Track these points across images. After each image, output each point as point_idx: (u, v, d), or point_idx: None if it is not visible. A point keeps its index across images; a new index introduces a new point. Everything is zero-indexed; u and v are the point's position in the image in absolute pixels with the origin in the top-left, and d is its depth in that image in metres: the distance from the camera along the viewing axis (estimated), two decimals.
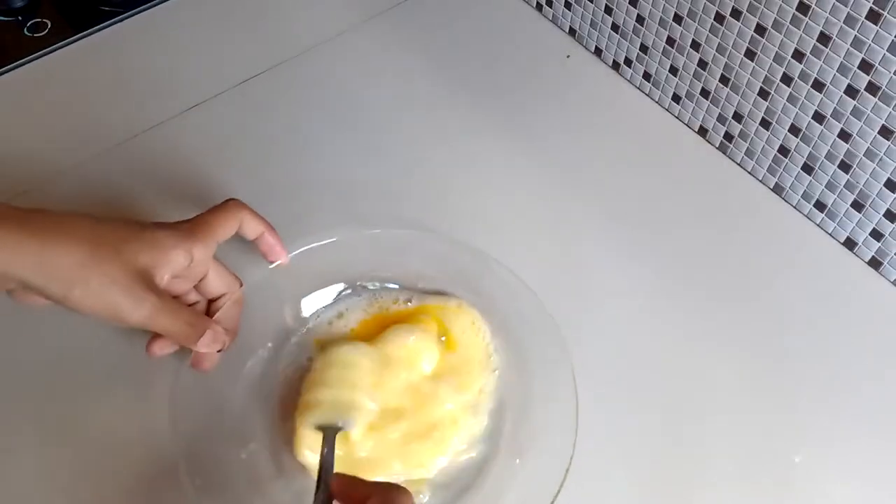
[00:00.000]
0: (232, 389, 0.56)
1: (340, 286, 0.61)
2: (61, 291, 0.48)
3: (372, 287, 0.61)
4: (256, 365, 0.57)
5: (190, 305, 0.56)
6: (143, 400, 0.57)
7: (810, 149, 0.64)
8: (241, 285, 0.57)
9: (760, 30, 0.62)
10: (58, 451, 0.55)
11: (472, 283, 0.60)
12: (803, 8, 0.58)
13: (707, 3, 0.64)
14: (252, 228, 0.57)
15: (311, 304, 0.60)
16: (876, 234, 0.63)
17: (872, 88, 0.57)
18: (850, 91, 0.58)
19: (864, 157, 0.60)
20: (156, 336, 0.54)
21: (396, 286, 0.61)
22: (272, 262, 0.58)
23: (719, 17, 0.64)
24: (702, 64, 0.68)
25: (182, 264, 0.52)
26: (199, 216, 0.55)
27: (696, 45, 0.68)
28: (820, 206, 0.66)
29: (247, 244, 0.58)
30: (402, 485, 0.46)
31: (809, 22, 0.58)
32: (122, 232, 0.51)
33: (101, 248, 0.50)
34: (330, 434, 0.52)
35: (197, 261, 0.53)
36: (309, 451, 0.52)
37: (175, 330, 0.52)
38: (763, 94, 0.65)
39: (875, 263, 0.64)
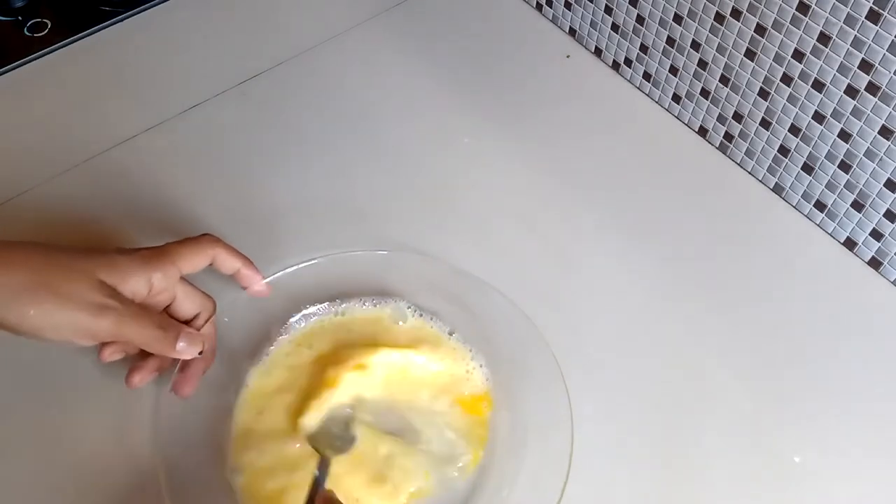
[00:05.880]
0: (214, 411, 0.55)
1: (325, 305, 0.60)
2: (16, 317, 0.46)
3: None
4: (237, 388, 0.56)
5: None
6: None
7: (810, 149, 0.64)
8: (215, 305, 0.56)
9: (760, 30, 0.62)
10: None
11: (462, 301, 0.59)
12: (803, 8, 0.58)
13: (707, 3, 0.64)
14: (227, 265, 0.55)
15: (298, 323, 0.60)
16: (876, 234, 0.63)
17: (872, 88, 0.57)
18: (850, 91, 0.58)
19: (864, 157, 0.60)
20: (134, 366, 0.53)
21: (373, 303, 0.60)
22: (252, 294, 0.57)
23: (719, 17, 0.64)
24: (702, 64, 0.68)
25: (141, 292, 0.51)
26: (167, 244, 0.53)
27: (696, 45, 0.68)
28: (820, 206, 0.66)
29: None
30: None
31: (809, 22, 0.58)
32: (76, 253, 0.50)
33: (54, 269, 0.48)
34: (326, 460, 0.51)
35: (157, 289, 0.52)
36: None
37: (146, 335, 0.50)
38: (763, 94, 0.65)
39: (875, 263, 0.64)
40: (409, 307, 0.60)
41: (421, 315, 0.59)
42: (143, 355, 0.54)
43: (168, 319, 0.53)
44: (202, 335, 0.54)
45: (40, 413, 0.56)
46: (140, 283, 0.51)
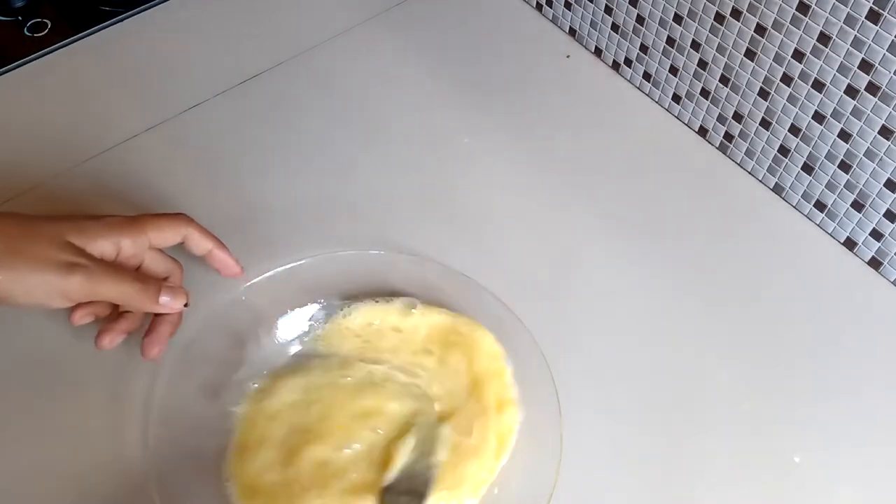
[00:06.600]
0: (207, 411, 0.54)
1: (316, 307, 0.59)
2: None
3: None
4: (232, 385, 0.56)
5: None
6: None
7: (810, 149, 0.64)
8: (182, 269, 0.56)
9: (760, 30, 0.62)
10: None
11: (455, 302, 0.59)
12: (803, 8, 0.58)
13: (707, 3, 0.64)
14: (199, 245, 0.55)
15: (289, 324, 0.59)
16: (876, 234, 0.63)
17: (872, 88, 0.57)
18: (850, 91, 0.58)
19: (864, 157, 0.60)
20: (103, 328, 0.53)
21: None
22: (227, 277, 0.57)
23: (719, 17, 0.64)
24: (702, 64, 0.68)
25: (109, 254, 0.51)
26: (140, 215, 0.54)
27: (696, 45, 0.68)
28: (820, 206, 0.66)
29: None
30: None
31: (809, 22, 0.58)
32: (42, 218, 0.50)
33: (21, 235, 0.48)
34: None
35: (125, 254, 0.52)
36: None
37: (125, 290, 0.50)
38: (763, 94, 0.65)
39: (875, 263, 0.64)
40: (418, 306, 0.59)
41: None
42: (113, 318, 0.54)
43: (146, 274, 0.53)
44: (184, 289, 0.54)
45: (31, 411, 0.56)
46: (108, 245, 0.51)
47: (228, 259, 0.57)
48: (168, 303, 0.52)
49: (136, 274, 0.52)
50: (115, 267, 0.51)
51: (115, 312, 0.54)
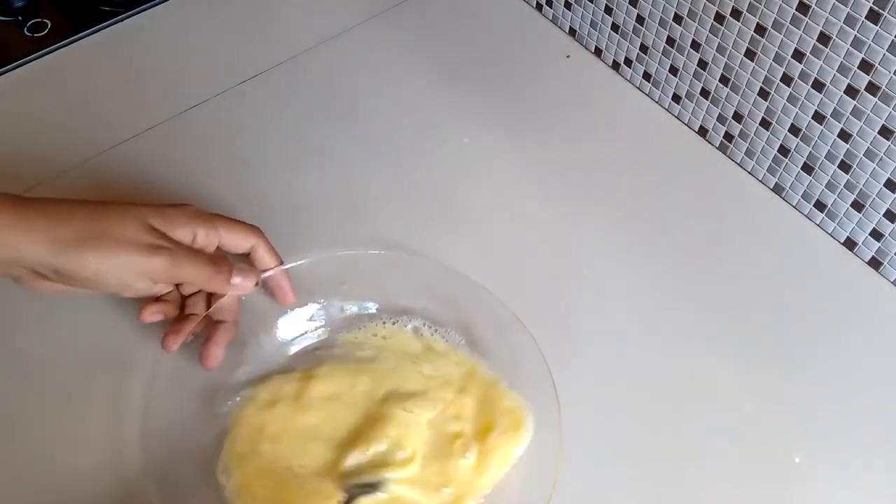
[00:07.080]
0: (207, 411, 0.54)
1: (315, 307, 0.60)
2: (75, 264, 0.48)
3: (351, 310, 0.60)
4: (232, 385, 0.56)
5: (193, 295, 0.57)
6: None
7: (810, 149, 0.64)
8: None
9: (760, 30, 0.62)
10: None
11: (455, 302, 0.59)
12: (803, 8, 0.58)
13: (707, 3, 0.64)
14: (264, 260, 0.57)
15: (290, 325, 0.59)
16: (876, 234, 0.63)
17: (872, 88, 0.57)
18: (850, 91, 0.58)
19: (864, 157, 0.60)
20: (170, 329, 0.54)
21: (376, 307, 0.60)
22: (278, 301, 0.58)
23: (719, 17, 0.64)
24: (702, 64, 0.68)
25: (186, 241, 0.53)
26: (216, 214, 0.56)
27: (696, 45, 0.68)
28: (820, 206, 0.66)
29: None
30: None
31: (809, 22, 0.58)
32: (126, 204, 0.52)
33: (107, 217, 0.50)
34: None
35: (198, 243, 0.54)
36: None
37: (202, 273, 0.53)
38: (763, 94, 0.65)
39: (875, 263, 0.64)
40: (424, 324, 0.59)
41: (442, 336, 0.58)
42: (179, 319, 0.55)
43: (220, 257, 0.55)
44: (255, 268, 0.56)
45: (30, 410, 0.56)
46: (186, 233, 0.53)
47: (286, 285, 0.58)
48: (240, 283, 0.55)
49: (212, 257, 0.54)
50: (193, 251, 0.53)
51: (181, 315, 0.56)
